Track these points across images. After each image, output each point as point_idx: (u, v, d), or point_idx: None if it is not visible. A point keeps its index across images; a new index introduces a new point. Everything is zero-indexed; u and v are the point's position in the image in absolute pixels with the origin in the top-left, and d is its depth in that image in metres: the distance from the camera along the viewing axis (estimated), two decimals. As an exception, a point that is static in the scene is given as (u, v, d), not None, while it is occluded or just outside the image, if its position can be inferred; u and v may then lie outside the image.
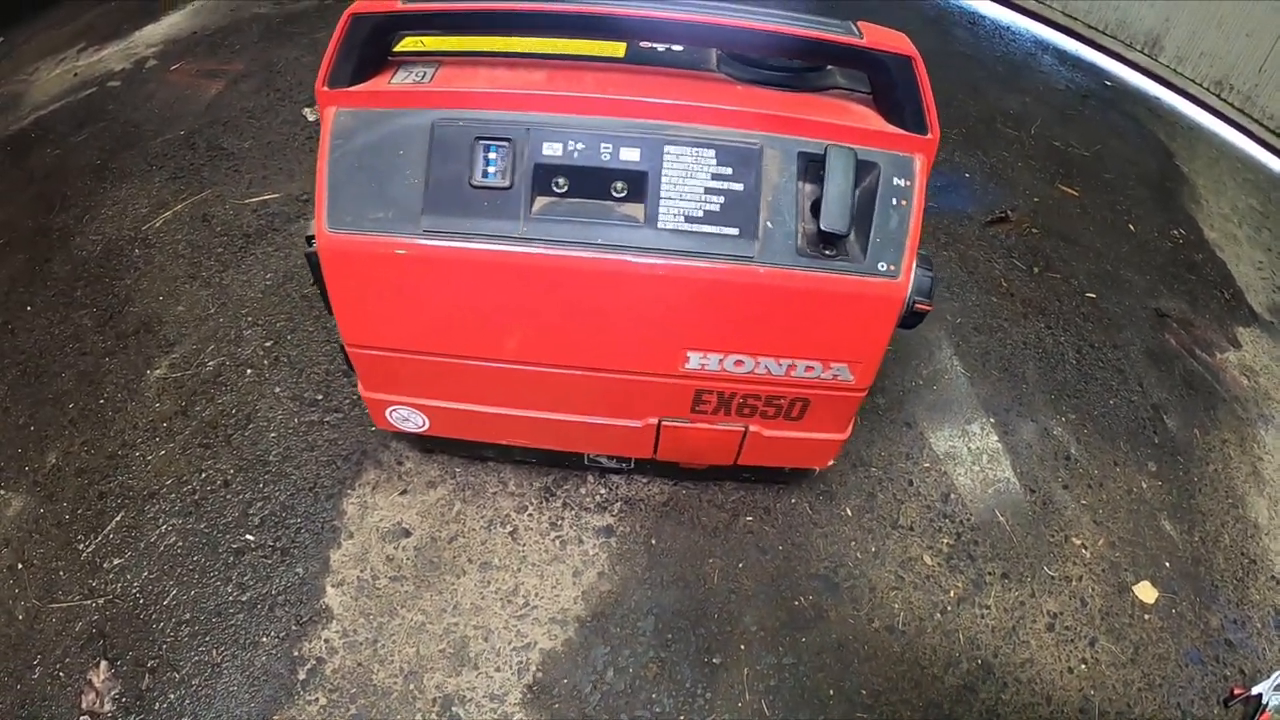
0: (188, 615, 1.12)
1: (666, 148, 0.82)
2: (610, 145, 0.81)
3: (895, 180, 0.85)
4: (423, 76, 0.87)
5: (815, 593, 1.16)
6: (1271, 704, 1.17)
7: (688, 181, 0.82)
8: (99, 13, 2.37)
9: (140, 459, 1.30)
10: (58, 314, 1.51)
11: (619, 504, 1.24)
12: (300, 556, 1.19)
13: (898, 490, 1.32)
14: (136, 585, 1.15)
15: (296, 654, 1.10)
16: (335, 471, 1.29)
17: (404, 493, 1.26)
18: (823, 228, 0.82)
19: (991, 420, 1.46)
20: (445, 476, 1.28)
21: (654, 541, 1.20)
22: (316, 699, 1.06)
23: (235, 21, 2.34)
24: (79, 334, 1.48)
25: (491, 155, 0.82)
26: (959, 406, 1.48)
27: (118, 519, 1.23)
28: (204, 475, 1.28)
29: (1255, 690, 1.18)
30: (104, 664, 1.07)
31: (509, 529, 1.21)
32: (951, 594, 1.20)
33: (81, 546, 1.20)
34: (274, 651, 1.10)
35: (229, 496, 1.25)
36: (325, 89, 0.86)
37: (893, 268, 0.85)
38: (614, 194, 0.83)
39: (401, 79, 0.87)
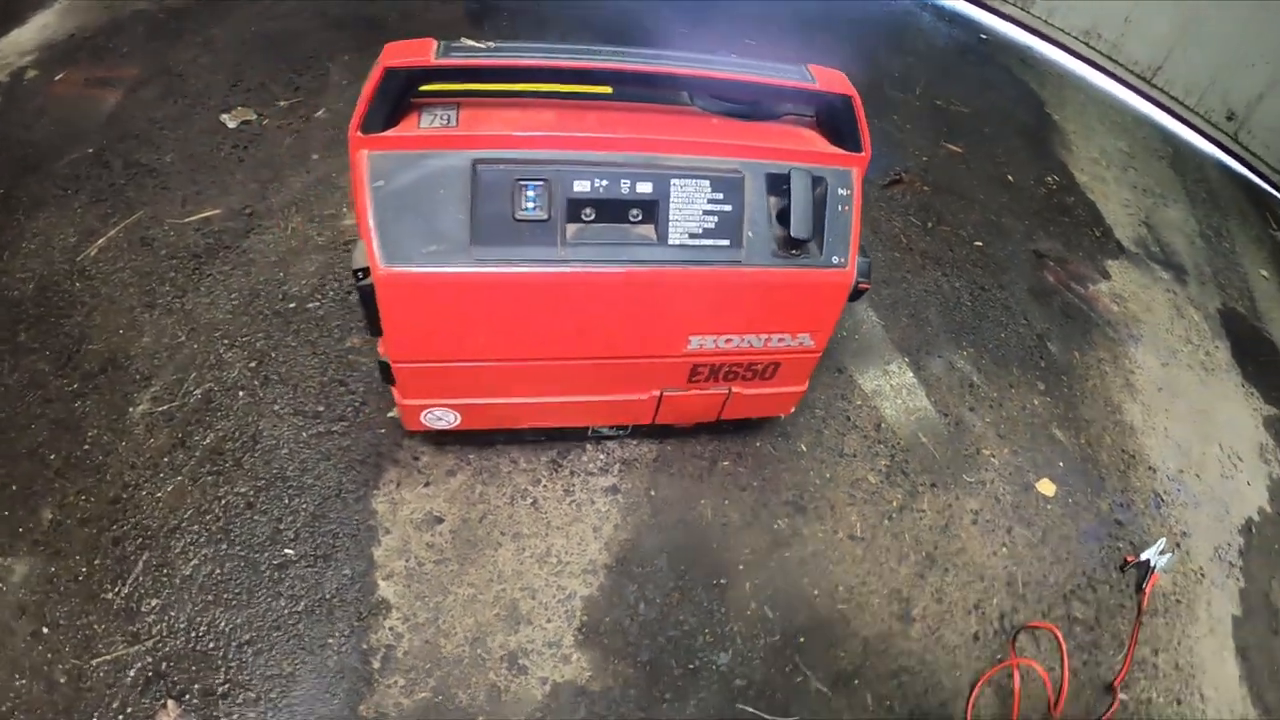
0: (246, 636, 1.26)
1: (673, 181, 1.12)
2: (629, 181, 1.10)
3: (839, 190, 1.20)
4: (448, 121, 1.08)
5: (788, 516, 1.53)
6: (1158, 566, 1.63)
7: (689, 206, 1.13)
8: (-45, 19, 2.29)
9: (149, 497, 1.39)
10: (5, 363, 1.53)
11: (618, 465, 1.54)
12: (344, 559, 1.36)
13: (839, 425, 1.71)
14: (182, 620, 1.27)
15: (365, 646, 1.28)
16: (356, 475, 1.46)
17: (427, 484, 1.47)
18: (792, 235, 1.16)
19: (905, 360, 1.88)
20: (461, 464, 1.50)
21: (653, 492, 1.51)
22: (395, 681, 1.25)
23: (115, 20, 2.33)
24: (37, 380, 1.51)
25: (530, 193, 1.08)
26: (878, 351, 1.88)
27: (143, 560, 1.32)
28: (224, 501, 1.40)
29: (1144, 556, 1.65)
30: (171, 703, 1.19)
31: (529, 500, 1.49)
32: (894, 504, 1.61)
33: (110, 595, 1.28)
34: (343, 649, 1.27)
35: (256, 517, 1.39)
36: (359, 134, 1.05)
37: (842, 260, 1.21)
38: (631, 219, 1.13)
39: (429, 123, 1.08)
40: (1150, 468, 1.85)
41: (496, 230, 1.08)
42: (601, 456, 1.56)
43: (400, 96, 1.04)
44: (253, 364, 1.59)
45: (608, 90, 1.18)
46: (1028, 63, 2.88)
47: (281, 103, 2.16)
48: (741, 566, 1.45)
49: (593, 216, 1.12)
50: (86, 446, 1.44)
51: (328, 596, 1.32)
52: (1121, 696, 1.46)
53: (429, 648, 1.30)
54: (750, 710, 1.30)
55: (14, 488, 1.38)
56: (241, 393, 1.54)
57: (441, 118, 1.09)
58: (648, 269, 1.14)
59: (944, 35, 2.89)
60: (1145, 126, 2.76)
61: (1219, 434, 1.98)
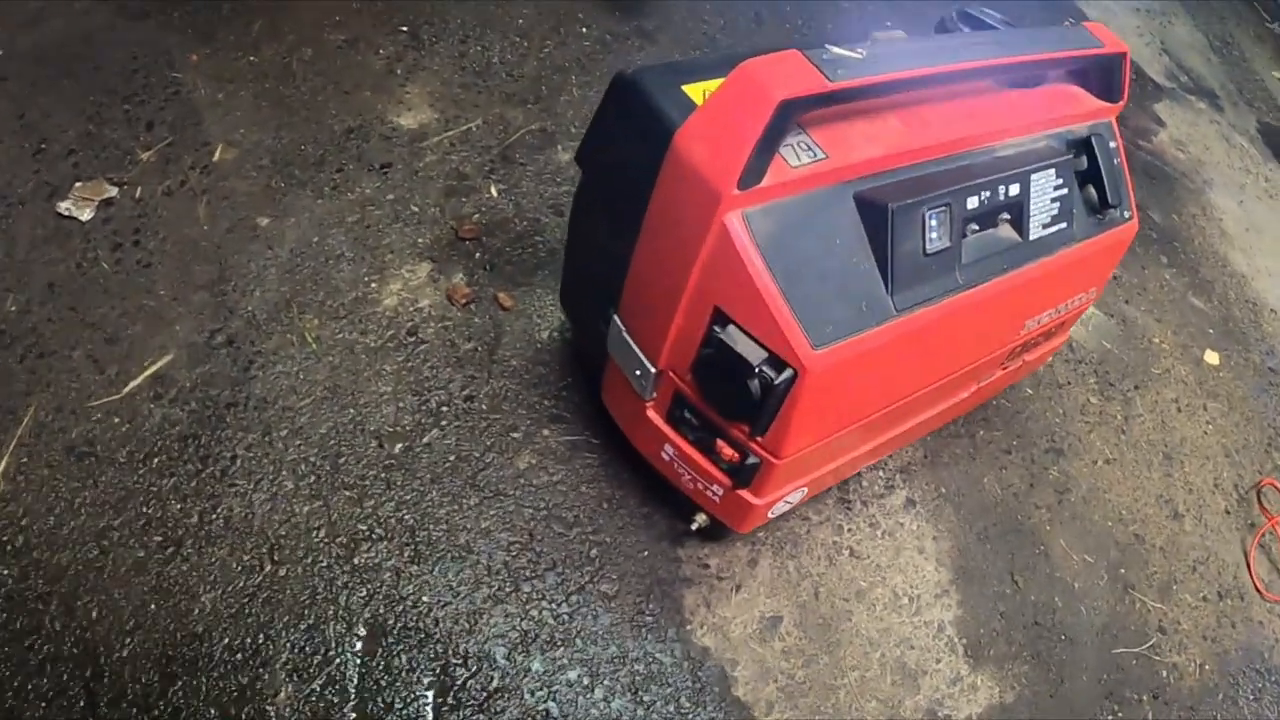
0: None
1: (1032, 176, 1.28)
2: (1003, 186, 1.23)
3: (1110, 142, 1.40)
4: (813, 152, 1.05)
5: (1052, 462, 1.79)
6: None
7: (1041, 199, 1.30)
8: None
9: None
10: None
11: (898, 477, 1.66)
12: (704, 715, 1.31)
13: (1044, 359, 2.00)
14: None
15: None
16: (652, 620, 1.36)
17: (738, 588, 1.42)
18: (1110, 203, 1.36)
19: (1056, 265, 2.20)
20: (757, 548, 1.47)
21: (943, 490, 1.67)
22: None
23: None
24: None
25: (933, 222, 1.15)
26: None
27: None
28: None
29: None
30: None
31: (846, 552, 1.52)
32: (1119, 418, 1.91)
33: None
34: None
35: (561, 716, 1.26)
36: (738, 192, 0.97)
37: (1128, 213, 1.44)
38: (999, 222, 1.28)
39: (797, 160, 1.04)
40: (1273, 310, 2.29)
41: (911, 271, 1.12)
42: (881, 475, 1.66)
43: (783, 134, 0.99)
44: (410, 551, 1.33)
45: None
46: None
47: (142, 155, 1.69)
48: (1048, 526, 1.70)
49: (977, 230, 1.24)
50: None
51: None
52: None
53: (845, 748, 1.33)
54: (1124, 650, 1.59)
55: None
56: (425, 598, 1.30)
57: (805, 149, 1.04)
58: (1020, 270, 1.30)
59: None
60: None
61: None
